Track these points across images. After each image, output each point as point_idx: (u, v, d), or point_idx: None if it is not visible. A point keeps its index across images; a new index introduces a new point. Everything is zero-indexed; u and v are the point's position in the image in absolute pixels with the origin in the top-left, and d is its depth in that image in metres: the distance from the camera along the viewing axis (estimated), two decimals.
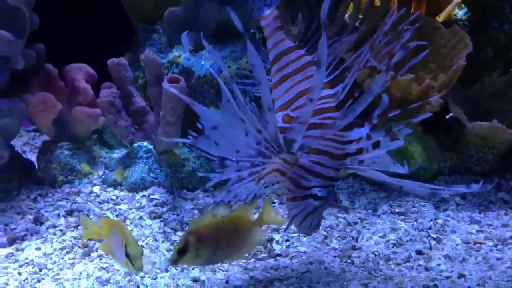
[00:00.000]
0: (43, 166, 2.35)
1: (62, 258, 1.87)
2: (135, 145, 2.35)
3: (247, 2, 1.71)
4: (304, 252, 1.89)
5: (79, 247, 1.93)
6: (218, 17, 2.30)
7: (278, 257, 1.87)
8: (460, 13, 2.66)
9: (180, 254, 1.51)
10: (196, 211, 2.18)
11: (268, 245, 1.96)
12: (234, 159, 1.45)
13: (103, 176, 2.35)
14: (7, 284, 1.73)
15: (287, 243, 1.96)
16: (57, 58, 2.41)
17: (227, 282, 1.69)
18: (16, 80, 2.20)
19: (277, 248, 1.93)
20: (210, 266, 1.77)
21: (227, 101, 1.34)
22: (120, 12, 2.64)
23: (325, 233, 2.00)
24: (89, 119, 2.32)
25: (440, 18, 2.62)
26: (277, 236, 1.99)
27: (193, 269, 1.79)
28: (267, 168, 1.47)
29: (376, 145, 1.42)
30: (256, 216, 1.66)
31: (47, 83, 2.30)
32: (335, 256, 1.85)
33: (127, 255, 1.52)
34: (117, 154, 2.44)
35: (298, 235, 1.99)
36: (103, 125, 2.41)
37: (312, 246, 1.93)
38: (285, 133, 1.40)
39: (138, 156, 2.33)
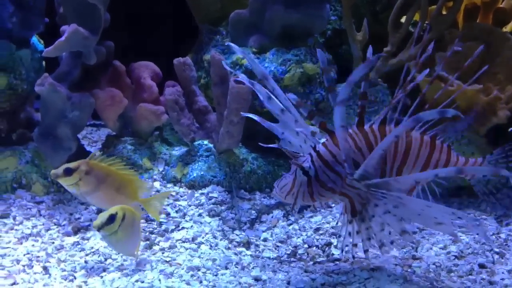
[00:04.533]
0: None
1: None
2: (196, 143, 2.39)
3: None
4: (364, 258, 1.88)
5: (142, 240, 1.97)
6: (284, 21, 2.31)
7: (337, 262, 1.87)
8: None
9: (66, 173, 1.79)
10: (253, 211, 2.20)
11: (327, 249, 1.96)
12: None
13: (163, 172, 2.40)
14: (74, 271, 1.79)
15: (346, 248, 1.95)
16: (122, 55, 2.48)
17: (288, 283, 1.70)
18: (87, 75, 2.27)
19: (335, 252, 1.93)
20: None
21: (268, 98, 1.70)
22: (185, 13, 2.69)
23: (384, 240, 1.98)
24: (152, 116, 2.37)
25: (507, 28, 2.56)
26: (335, 241, 1.99)
27: (253, 268, 1.81)
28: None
29: None
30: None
31: (115, 79, 2.38)
32: (395, 265, 1.84)
33: None
34: (177, 151, 2.49)
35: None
36: (163, 122, 2.46)
37: (371, 252, 1.92)
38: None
39: (198, 154, 2.37)
